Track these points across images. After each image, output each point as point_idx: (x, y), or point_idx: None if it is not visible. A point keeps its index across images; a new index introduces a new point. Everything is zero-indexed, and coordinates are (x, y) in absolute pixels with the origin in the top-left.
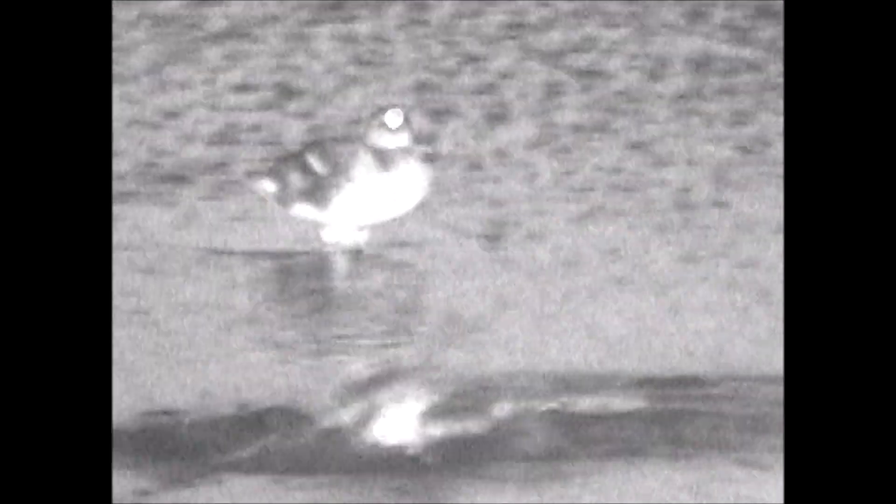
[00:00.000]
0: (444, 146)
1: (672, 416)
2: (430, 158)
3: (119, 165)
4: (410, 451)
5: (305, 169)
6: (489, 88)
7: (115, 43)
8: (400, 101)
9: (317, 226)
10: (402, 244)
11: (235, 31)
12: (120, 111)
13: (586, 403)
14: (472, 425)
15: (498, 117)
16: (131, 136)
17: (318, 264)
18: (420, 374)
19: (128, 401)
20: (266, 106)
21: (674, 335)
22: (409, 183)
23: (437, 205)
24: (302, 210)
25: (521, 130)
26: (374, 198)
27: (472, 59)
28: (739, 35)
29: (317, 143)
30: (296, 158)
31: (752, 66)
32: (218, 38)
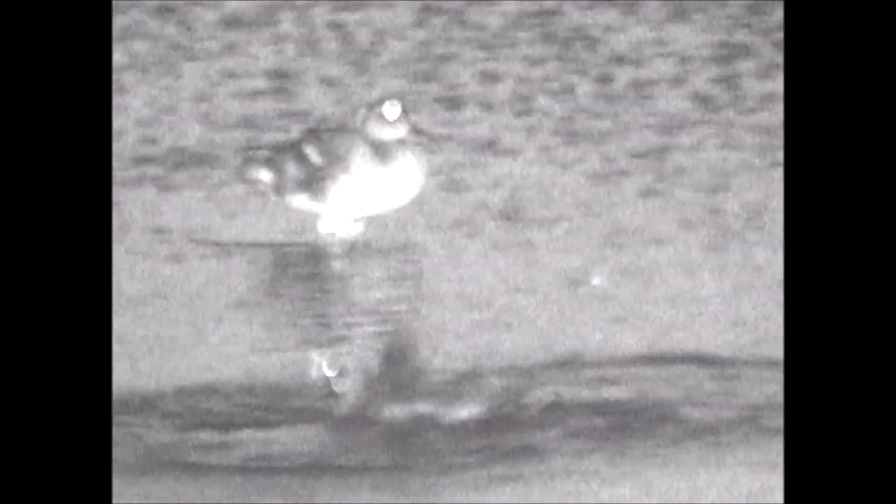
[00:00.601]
0: (445, 133)
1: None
2: (431, 147)
3: (116, 154)
4: (417, 433)
5: (302, 159)
6: (495, 76)
7: (115, 33)
8: (404, 89)
9: (313, 217)
10: (399, 235)
11: (235, 20)
12: (118, 101)
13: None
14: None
15: (506, 104)
16: (129, 125)
17: (315, 255)
18: (423, 361)
19: (126, 380)
20: (264, 95)
21: (686, 319)
22: (406, 175)
23: (437, 195)
24: (298, 200)
25: (530, 118)
26: (370, 189)
27: (482, 46)
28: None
29: (314, 134)
30: (293, 149)
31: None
32: (217, 26)
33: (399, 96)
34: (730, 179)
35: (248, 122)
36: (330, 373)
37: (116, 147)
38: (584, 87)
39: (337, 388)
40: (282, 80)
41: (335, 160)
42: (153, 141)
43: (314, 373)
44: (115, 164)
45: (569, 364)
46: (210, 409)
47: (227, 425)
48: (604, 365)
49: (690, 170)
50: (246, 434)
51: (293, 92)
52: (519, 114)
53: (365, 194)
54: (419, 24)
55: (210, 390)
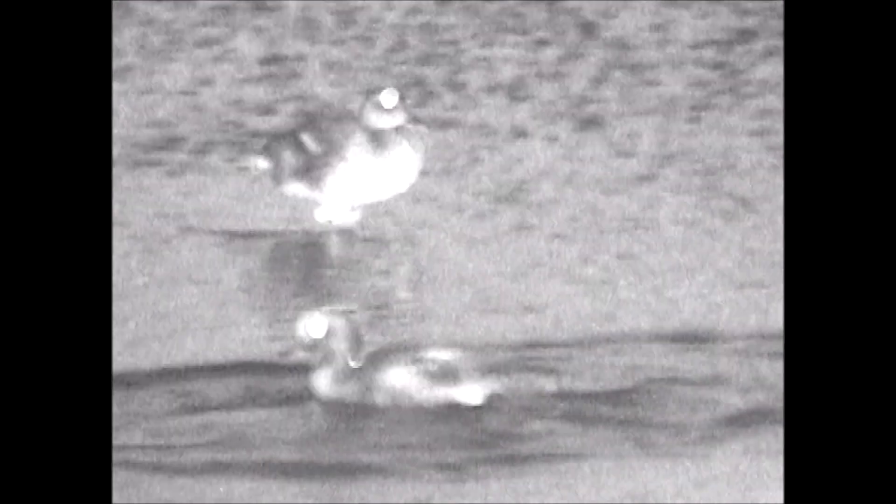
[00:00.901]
0: (440, 117)
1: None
2: (428, 131)
3: (116, 140)
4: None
5: (300, 148)
6: (498, 61)
7: (115, 20)
8: (403, 75)
9: (310, 205)
10: (396, 222)
11: (232, 8)
12: (118, 87)
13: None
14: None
15: (505, 89)
16: (129, 111)
17: (311, 243)
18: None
19: (131, 360)
20: (261, 82)
21: (678, 298)
22: (404, 162)
23: (434, 182)
24: (296, 189)
25: (530, 103)
26: (368, 177)
27: (483, 32)
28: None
29: (311, 122)
30: (290, 137)
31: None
32: (216, 14)
33: (397, 84)
34: (730, 162)
35: (245, 110)
36: (317, 334)
37: (116, 133)
38: (585, 72)
39: (323, 349)
40: (280, 67)
41: (332, 148)
42: (152, 128)
43: (301, 333)
44: (115, 149)
45: (569, 348)
46: (205, 392)
47: (218, 408)
48: (605, 347)
49: (691, 153)
50: (242, 418)
51: (290, 80)
52: (518, 99)
53: (362, 182)
54: (419, 10)
55: (206, 374)
